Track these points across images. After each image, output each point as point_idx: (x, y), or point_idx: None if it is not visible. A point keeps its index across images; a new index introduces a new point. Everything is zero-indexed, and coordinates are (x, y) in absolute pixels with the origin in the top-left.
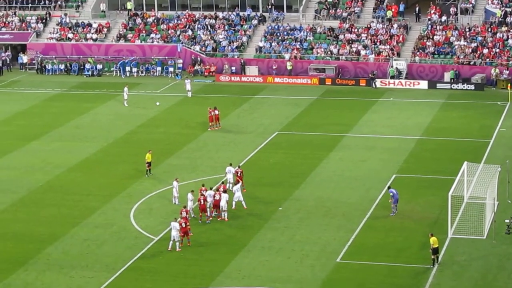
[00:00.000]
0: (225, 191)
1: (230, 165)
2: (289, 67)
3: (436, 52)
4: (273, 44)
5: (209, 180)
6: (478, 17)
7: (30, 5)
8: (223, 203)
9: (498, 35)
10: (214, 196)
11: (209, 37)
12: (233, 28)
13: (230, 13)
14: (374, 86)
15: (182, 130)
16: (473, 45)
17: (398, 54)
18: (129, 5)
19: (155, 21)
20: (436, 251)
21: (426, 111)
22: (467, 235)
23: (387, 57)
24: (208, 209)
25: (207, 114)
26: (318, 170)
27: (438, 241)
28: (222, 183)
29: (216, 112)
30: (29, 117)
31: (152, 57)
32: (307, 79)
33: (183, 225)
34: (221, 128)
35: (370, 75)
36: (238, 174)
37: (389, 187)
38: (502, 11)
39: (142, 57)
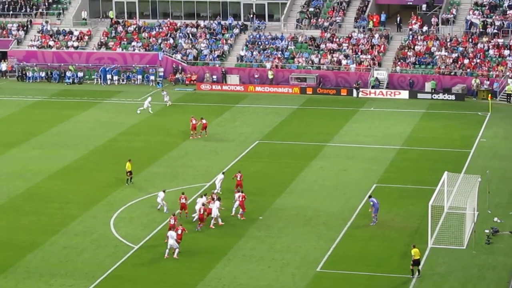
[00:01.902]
0: (218, 199)
1: (223, 173)
2: (270, 76)
3: (417, 62)
4: (254, 53)
5: (190, 188)
6: (459, 27)
7: (11, 12)
8: (214, 211)
9: (479, 45)
10: (207, 203)
11: (191, 46)
12: (214, 37)
13: (211, 21)
14: (357, 95)
15: (163, 138)
16: (454, 55)
17: (379, 64)
18: (111, 14)
19: (137, 29)
20: (417, 263)
21: (407, 121)
22: (447, 245)
23: (368, 67)
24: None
25: (189, 123)
26: (299, 179)
27: (420, 252)
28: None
29: (204, 121)
30: (9, 124)
31: (133, 65)
32: (288, 88)
33: (179, 231)
34: (202, 137)
35: (355, 85)
36: (238, 179)
37: (370, 196)
38: (483, 22)
39: (123, 65)
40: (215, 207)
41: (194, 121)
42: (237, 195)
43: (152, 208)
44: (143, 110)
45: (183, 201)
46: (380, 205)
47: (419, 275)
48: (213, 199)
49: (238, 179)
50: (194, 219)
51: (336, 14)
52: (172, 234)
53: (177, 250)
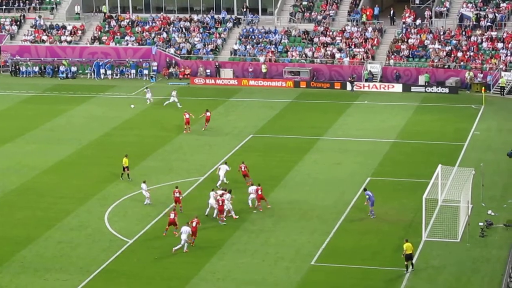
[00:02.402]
0: (229, 191)
1: (226, 163)
2: (264, 70)
3: (410, 56)
4: (248, 47)
5: (184, 182)
6: (453, 20)
7: (4, 7)
8: (227, 205)
9: (472, 38)
10: (218, 201)
11: (184, 40)
12: (208, 31)
13: (205, 16)
14: (352, 89)
15: (157, 132)
16: (448, 48)
17: (373, 57)
18: (104, 9)
19: (130, 23)
20: (409, 257)
21: (401, 114)
22: (441, 238)
23: (362, 60)
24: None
25: (183, 117)
26: (292, 173)
27: (413, 247)
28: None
29: (208, 113)
30: (3, 119)
31: (127, 60)
32: (282, 82)
33: (194, 224)
34: (196, 130)
35: (350, 78)
36: (243, 169)
37: (365, 189)
38: (476, 14)
39: (116, 60)
40: (226, 200)
41: (187, 116)
42: (252, 188)
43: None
44: (169, 103)
45: (176, 195)
46: (374, 199)
47: (413, 268)
48: (224, 191)
49: (243, 169)
50: (207, 214)
51: (329, 7)
52: (186, 229)
53: (186, 245)
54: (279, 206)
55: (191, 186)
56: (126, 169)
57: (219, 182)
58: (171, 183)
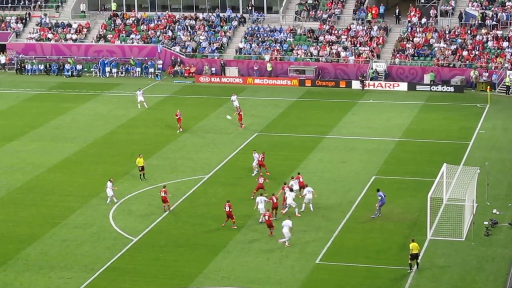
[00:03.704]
0: (291, 189)
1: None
2: (269, 68)
3: (416, 54)
4: (253, 45)
5: (189, 180)
6: (458, 19)
7: (9, 5)
8: (289, 201)
9: (478, 37)
10: (271, 199)
11: (189, 38)
12: (213, 29)
13: (210, 14)
14: (362, 88)
15: (161, 130)
16: (453, 47)
17: (378, 56)
18: (113, 6)
19: (135, 21)
20: (415, 257)
21: (406, 113)
22: (446, 237)
23: (367, 59)
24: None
25: (176, 117)
26: (297, 172)
27: (419, 244)
28: (285, 183)
29: (241, 112)
30: (9, 117)
31: (131, 58)
32: (287, 81)
33: (266, 217)
34: (201, 129)
35: (360, 78)
36: (260, 159)
37: (378, 190)
38: (481, 13)
39: (122, 58)
40: (290, 198)
41: (179, 115)
42: (306, 190)
43: (151, 200)
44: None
45: (162, 194)
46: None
47: (418, 268)
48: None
49: (260, 159)
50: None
51: (334, 6)
52: (288, 222)
53: (287, 241)
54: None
55: (196, 184)
56: (140, 169)
57: (255, 172)
58: (175, 181)
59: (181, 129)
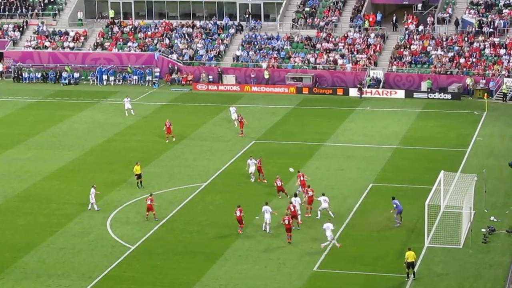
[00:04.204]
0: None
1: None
2: (266, 76)
3: (413, 62)
4: (250, 53)
5: (186, 188)
6: (455, 26)
7: (7, 13)
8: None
9: (475, 44)
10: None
11: (187, 46)
12: (210, 37)
13: (207, 22)
14: (360, 96)
15: (159, 138)
16: (450, 54)
17: (375, 63)
18: (111, 13)
19: (132, 29)
20: (411, 265)
21: (403, 120)
22: (443, 244)
23: (364, 66)
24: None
25: (164, 126)
26: (295, 179)
27: (416, 253)
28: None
29: (244, 120)
30: (5, 125)
31: (128, 66)
32: (284, 88)
33: (286, 222)
34: (198, 136)
35: (358, 85)
36: (258, 165)
37: (393, 198)
38: (478, 21)
39: (119, 66)
40: (297, 203)
41: (168, 124)
42: (322, 198)
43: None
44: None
45: (148, 202)
46: (376, 205)
47: (414, 277)
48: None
49: (259, 164)
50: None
51: (332, 13)
52: (329, 225)
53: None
54: (282, 212)
55: (194, 192)
56: (138, 177)
57: (253, 178)
58: (173, 189)
59: (171, 139)
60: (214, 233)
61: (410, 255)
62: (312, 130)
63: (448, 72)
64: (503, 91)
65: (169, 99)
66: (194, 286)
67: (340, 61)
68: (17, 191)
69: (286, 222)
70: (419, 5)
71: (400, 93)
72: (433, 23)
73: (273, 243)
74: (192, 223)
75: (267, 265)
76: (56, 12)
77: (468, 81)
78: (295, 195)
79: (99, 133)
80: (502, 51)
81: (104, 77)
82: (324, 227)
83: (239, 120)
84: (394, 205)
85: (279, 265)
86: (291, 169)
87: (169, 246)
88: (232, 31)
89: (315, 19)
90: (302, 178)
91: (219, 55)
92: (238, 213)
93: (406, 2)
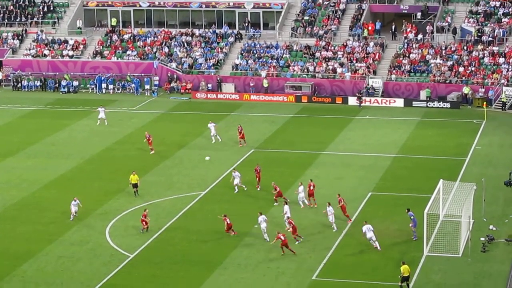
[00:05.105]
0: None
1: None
2: (265, 85)
3: (412, 70)
4: (249, 61)
5: (184, 197)
6: (454, 35)
7: (6, 21)
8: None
9: (474, 53)
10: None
11: (186, 54)
12: (209, 46)
13: (206, 30)
14: (359, 105)
15: (157, 147)
16: (449, 63)
17: (374, 72)
18: (113, 21)
19: (132, 38)
20: (406, 279)
21: (402, 129)
22: (442, 253)
23: (363, 75)
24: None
25: (144, 138)
26: (294, 188)
27: (415, 262)
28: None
29: (241, 130)
30: (4, 133)
31: (128, 74)
32: (284, 97)
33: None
34: (197, 145)
35: (357, 94)
36: (258, 171)
37: (408, 210)
38: (477, 30)
39: (118, 74)
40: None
41: (147, 136)
42: (329, 209)
43: (147, 217)
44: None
45: (142, 218)
46: (375, 214)
47: None
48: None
49: (258, 171)
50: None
51: (331, 22)
52: (369, 226)
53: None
54: (280, 221)
55: (192, 200)
56: (133, 186)
57: (237, 190)
58: (172, 197)
59: (152, 151)
60: (213, 242)
61: (405, 269)
62: (311, 138)
63: (447, 81)
64: (502, 100)
65: (168, 108)
66: None
67: (339, 70)
68: (16, 200)
69: (282, 238)
70: (418, 14)
71: (399, 102)
72: (432, 32)
73: (271, 252)
74: (191, 231)
75: (265, 273)
76: (55, 20)
77: (466, 90)
78: (286, 203)
79: (98, 141)
80: (501, 60)
81: (103, 85)
82: (364, 229)
83: (239, 131)
84: (411, 217)
85: (277, 274)
86: (208, 158)
87: (168, 255)
88: (231, 39)
89: (314, 28)
90: (311, 188)
91: (218, 64)
92: (228, 221)
93: (405, 11)
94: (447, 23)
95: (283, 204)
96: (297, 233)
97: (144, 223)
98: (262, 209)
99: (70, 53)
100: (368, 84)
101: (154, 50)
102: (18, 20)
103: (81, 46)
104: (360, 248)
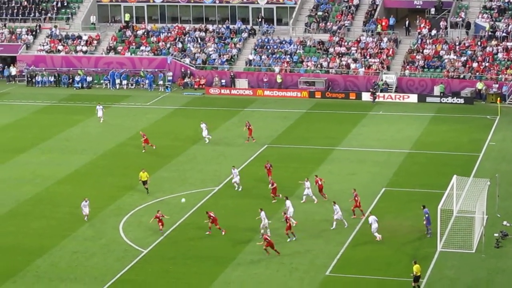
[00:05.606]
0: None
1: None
2: (279, 80)
3: (425, 66)
4: (263, 57)
5: (198, 193)
6: (468, 31)
7: (20, 17)
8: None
9: (488, 49)
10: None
11: (199, 50)
12: (223, 41)
13: (220, 26)
14: (373, 100)
15: (171, 142)
16: (463, 59)
17: (388, 68)
18: (127, 17)
19: (145, 33)
20: (417, 279)
21: (416, 125)
22: (456, 248)
23: (377, 71)
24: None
25: (142, 137)
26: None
27: (428, 258)
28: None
29: (249, 126)
30: (18, 129)
31: (142, 70)
32: (297, 92)
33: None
34: (210, 141)
35: (371, 90)
36: (268, 168)
37: (423, 207)
38: (491, 25)
39: (132, 70)
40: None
41: (144, 136)
42: (372, 218)
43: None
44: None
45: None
46: (388, 209)
47: None
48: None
49: (268, 168)
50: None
51: (344, 18)
52: (374, 218)
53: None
54: (294, 217)
55: (206, 196)
56: (143, 183)
57: (237, 188)
58: (185, 193)
59: (147, 148)
60: (226, 238)
61: (417, 269)
62: (324, 134)
63: (461, 77)
64: None
65: (182, 103)
66: None
67: (352, 65)
68: (29, 195)
69: (268, 239)
70: (432, 10)
71: (413, 98)
72: (446, 28)
73: (285, 248)
74: (204, 227)
75: (279, 269)
76: (69, 16)
77: (479, 85)
78: (287, 198)
79: (112, 137)
80: None
81: (117, 81)
82: (371, 221)
83: (247, 127)
84: (426, 215)
85: (291, 270)
86: (183, 200)
87: (181, 250)
88: (244, 35)
89: (328, 23)
90: (320, 183)
91: (232, 59)
92: (212, 215)
93: (419, 7)
94: (461, 19)
95: (284, 200)
96: (291, 230)
97: (160, 223)
98: (274, 205)
99: (84, 48)
100: (382, 80)
101: (168, 45)
102: (32, 15)
103: (95, 42)
104: (373, 244)
